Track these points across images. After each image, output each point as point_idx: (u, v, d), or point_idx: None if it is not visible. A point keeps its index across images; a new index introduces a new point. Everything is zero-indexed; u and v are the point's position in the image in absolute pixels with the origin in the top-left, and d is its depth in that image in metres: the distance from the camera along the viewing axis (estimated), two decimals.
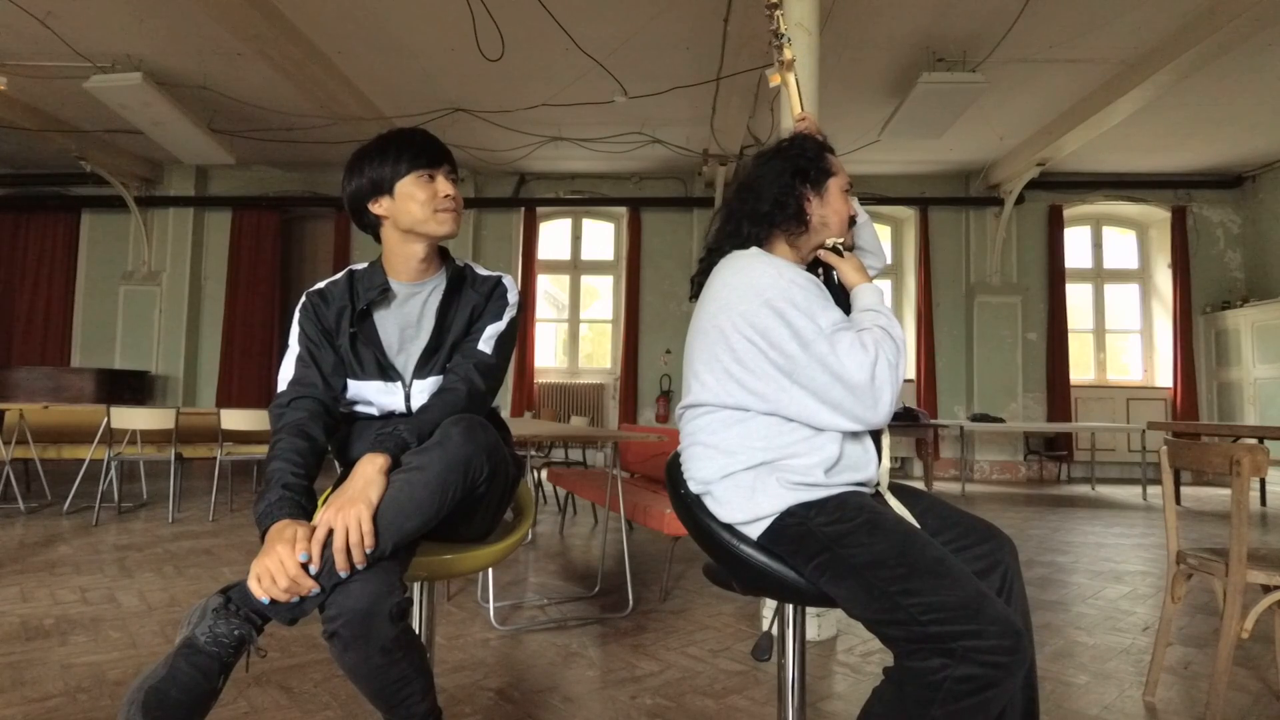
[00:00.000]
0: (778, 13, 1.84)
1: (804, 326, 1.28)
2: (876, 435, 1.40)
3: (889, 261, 1.88)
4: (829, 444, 1.31)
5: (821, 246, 1.47)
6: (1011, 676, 1.12)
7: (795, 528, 1.27)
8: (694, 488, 1.38)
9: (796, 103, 1.76)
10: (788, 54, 1.82)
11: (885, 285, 9.04)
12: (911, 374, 8.58)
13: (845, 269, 1.45)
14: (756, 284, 1.32)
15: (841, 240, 1.47)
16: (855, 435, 1.35)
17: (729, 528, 1.33)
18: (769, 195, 1.44)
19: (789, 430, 1.32)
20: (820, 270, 1.50)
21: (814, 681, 2.21)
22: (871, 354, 1.27)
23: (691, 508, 1.38)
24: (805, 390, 1.29)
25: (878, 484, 1.40)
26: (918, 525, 1.33)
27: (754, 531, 1.31)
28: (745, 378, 1.32)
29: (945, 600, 1.14)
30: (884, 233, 9.00)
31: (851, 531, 1.23)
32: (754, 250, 1.42)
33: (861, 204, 1.61)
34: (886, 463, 1.41)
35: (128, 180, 8.32)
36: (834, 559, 1.23)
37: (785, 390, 1.30)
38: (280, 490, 1.24)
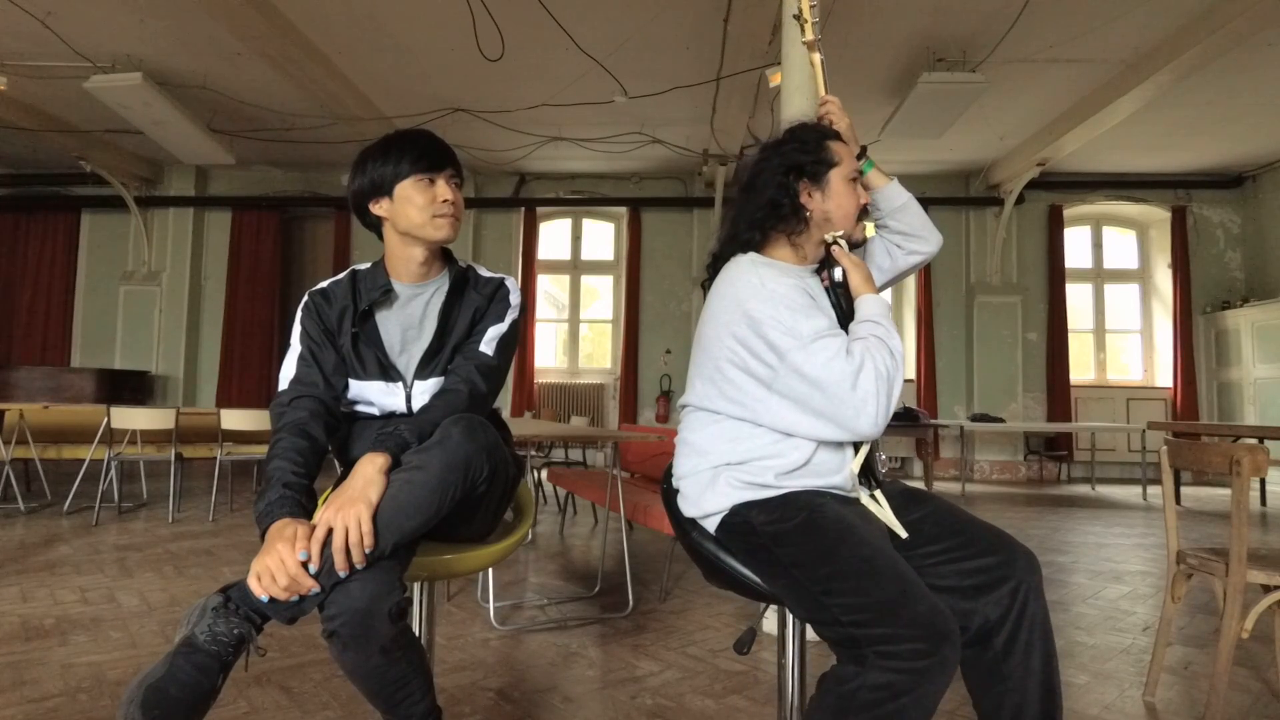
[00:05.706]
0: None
1: (779, 338, 1.27)
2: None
3: (941, 242, 1.75)
4: (793, 450, 1.31)
5: (821, 241, 1.42)
6: (927, 682, 1.06)
7: (741, 525, 1.31)
8: (674, 482, 1.45)
9: (821, 84, 1.68)
10: (808, 34, 1.73)
11: None
12: (911, 374, 8.57)
13: (854, 277, 1.40)
14: (739, 295, 1.33)
15: (842, 234, 1.41)
16: (837, 444, 1.32)
17: (692, 521, 1.39)
18: (764, 197, 1.42)
19: (759, 434, 1.34)
20: (826, 275, 1.43)
21: (814, 681, 2.20)
22: (856, 362, 1.24)
23: (669, 500, 1.46)
24: (785, 399, 1.29)
25: (851, 489, 1.36)
26: (903, 531, 1.31)
27: (710, 526, 1.36)
28: (726, 387, 1.35)
29: (864, 601, 1.12)
30: None
31: (788, 531, 1.25)
32: (748, 258, 1.40)
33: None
34: (857, 465, 1.35)
35: (128, 180, 8.31)
36: (770, 557, 1.26)
37: (762, 400, 1.31)
38: (280, 489, 1.24)
